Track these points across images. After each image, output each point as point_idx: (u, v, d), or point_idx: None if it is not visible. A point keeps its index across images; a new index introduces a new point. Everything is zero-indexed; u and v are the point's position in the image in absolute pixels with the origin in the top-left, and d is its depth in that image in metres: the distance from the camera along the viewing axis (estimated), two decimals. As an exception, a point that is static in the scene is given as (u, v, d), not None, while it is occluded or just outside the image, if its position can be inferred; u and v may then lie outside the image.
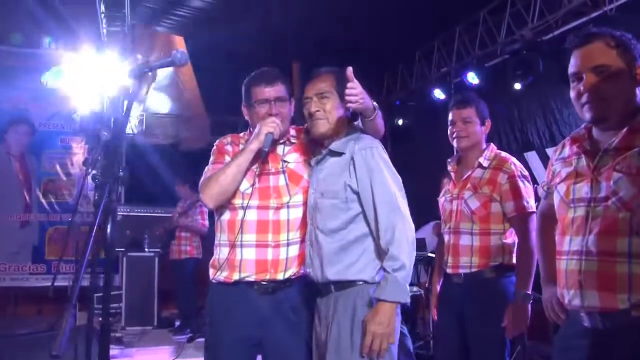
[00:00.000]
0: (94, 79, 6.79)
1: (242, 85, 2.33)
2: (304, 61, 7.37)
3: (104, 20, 6.55)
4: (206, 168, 2.32)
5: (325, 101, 2.13)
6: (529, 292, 2.52)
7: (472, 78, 6.33)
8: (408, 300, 1.98)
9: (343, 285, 2.05)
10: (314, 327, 2.18)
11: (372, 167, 2.03)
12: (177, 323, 6.51)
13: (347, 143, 2.11)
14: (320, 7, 6.54)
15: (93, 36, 6.88)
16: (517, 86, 5.64)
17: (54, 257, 7.29)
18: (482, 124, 2.76)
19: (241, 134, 2.41)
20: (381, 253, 2.01)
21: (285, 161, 2.31)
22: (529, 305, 2.52)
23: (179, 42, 7.68)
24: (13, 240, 7.16)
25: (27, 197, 7.27)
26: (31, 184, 7.32)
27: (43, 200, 7.32)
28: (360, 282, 2.04)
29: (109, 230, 1.47)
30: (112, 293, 6.83)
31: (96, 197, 1.50)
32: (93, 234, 1.33)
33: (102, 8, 6.44)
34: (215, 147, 2.39)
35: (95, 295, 5.49)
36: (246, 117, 2.36)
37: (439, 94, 7.04)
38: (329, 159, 2.14)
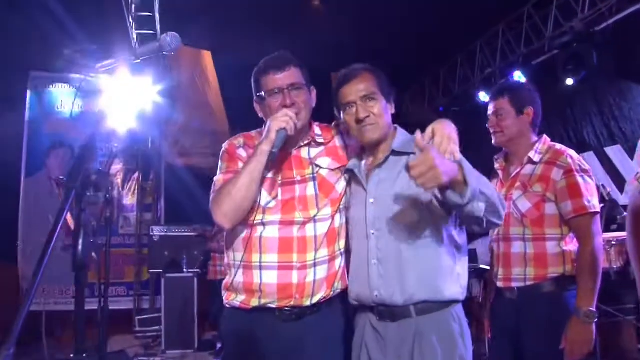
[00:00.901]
0: (130, 101, 6.77)
1: (252, 77, 2.00)
2: (343, 71, 7.13)
3: (137, 41, 6.52)
4: (215, 178, 1.97)
5: (373, 104, 1.84)
6: (593, 308, 2.11)
7: (519, 77, 5.95)
8: (477, 188, 1.58)
9: (431, 307, 1.75)
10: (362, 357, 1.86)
11: None
12: (219, 345, 6.29)
13: (410, 143, 1.81)
14: (356, 16, 6.33)
15: (127, 57, 6.87)
16: (569, 82, 5.22)
17: (97, 280, 7.23)
18: (520, 113, 2.38)
19: (253, 133, 2.06)
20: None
21: (317, 165, 1.97)
22: (594, 324, 2.11)
23: (207, 57, 7.59)
24: (56, 263, 7.10)
25: (69, 221, 7.27)
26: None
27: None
28: (453, 302, 1.78)
29: (80, 244, 1.22)
30: (152, 316, 6.78)
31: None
32: (51, 246, 1.08)
33: (134, 28, 6.41)
34: (224, 151, 2.02)
35: (137, 318, 5.31)
36: (260, 115, 2.02)
37: (484, 96, 6.65)
38: (391, 160, 1.86)
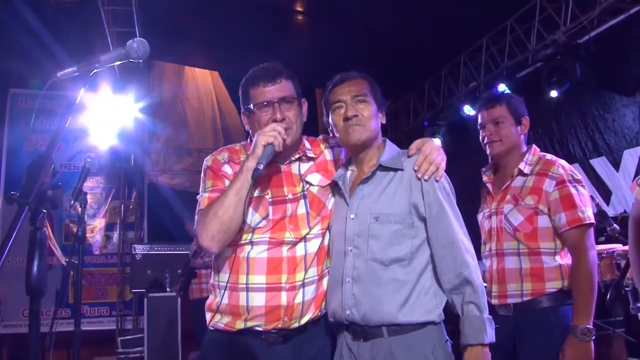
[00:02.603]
0: (112, 118, 6.68)
1: (240, 88, 1.91)
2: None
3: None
4: (199, 197, 1.86)
5: (363, 106, 1.81)
6: (590, 325, 2.03)
7: (504, 90, 5.92)
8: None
9: (403, 328, 1.68)
10: None
11: (441, 197, 1.75)
12: (204, 367, 6.11)
13: (399, 158, 1.80)
14: (341, 30, 6.32)
15: (110, 75, 6.78)
16: (553, 94, 5.22)
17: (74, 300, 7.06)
18: (518, 123, 2.32)
19: (237, 146, 1.96)
20: (447, 291, 1.74)
21: (307, 182, 1.88)
22: (592, 342, 2.02)
23: (190, 73, 7.53)
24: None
25: (50, 240, 7.11)
26: (53, 227, 7.16)
27: (65, 243, 7.13)
28: (429, 324, 1.70)
29: (35, 266, 1.12)
30: (134, 336, 6.60)
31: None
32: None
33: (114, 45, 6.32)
34: (207, 167, 1.90)
35: (120, 339, 5.11)
36: (247, 128, 1.92)
37: (468, 110, 6.65)
38: (378, 175, 1.80)
